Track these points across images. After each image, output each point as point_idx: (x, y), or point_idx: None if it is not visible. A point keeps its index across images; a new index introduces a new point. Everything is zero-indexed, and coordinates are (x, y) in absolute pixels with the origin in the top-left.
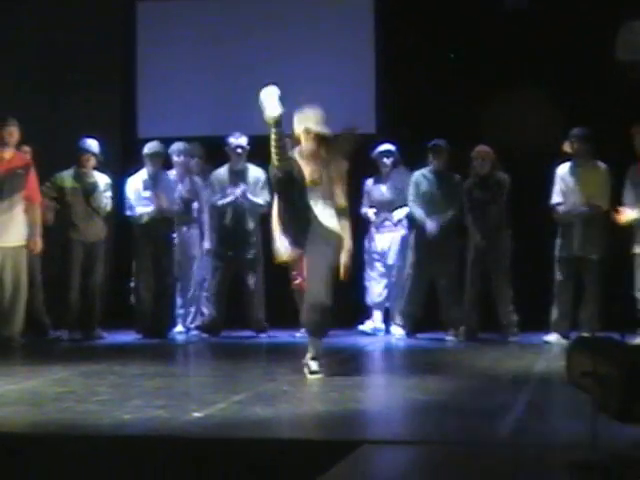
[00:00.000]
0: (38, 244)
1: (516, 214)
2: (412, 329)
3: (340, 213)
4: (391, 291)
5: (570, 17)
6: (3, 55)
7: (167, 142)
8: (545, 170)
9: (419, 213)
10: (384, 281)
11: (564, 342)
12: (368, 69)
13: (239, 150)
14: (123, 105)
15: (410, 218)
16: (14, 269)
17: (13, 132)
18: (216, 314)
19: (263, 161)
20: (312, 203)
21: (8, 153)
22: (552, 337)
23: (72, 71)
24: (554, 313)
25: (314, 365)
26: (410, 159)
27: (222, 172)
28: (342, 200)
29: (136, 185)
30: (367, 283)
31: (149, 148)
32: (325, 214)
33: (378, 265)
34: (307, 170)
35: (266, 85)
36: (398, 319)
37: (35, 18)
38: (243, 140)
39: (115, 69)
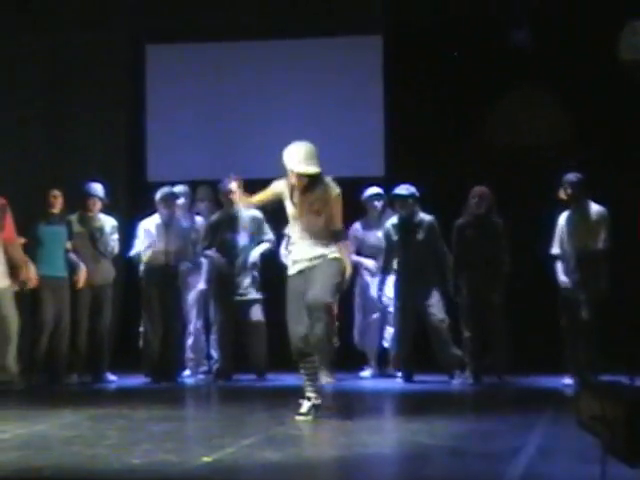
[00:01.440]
0: (31, 278)
1: (532, 254)
2: (408, 375)
3: (335, 237)
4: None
5: (574, 50)
6: (9, 96)
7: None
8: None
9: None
10: (377, 326)
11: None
12: (377, 114)
13: (231, 196)
14: (132, 148)
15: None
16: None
17: None
18: (223, 359)
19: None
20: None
21: None
22: (568, 380)
23: (80, 113)
24: (565, 355)
25: (303, 406)
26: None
27: (216, 218)
28: (338, 225)
29: (149, 229)
30: (358, 329)
31: (163, 191)
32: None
33: (371, 310)
34: (293, 204)
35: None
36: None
37: (43, 59)
38: (233, 185)
39: (124, 112)
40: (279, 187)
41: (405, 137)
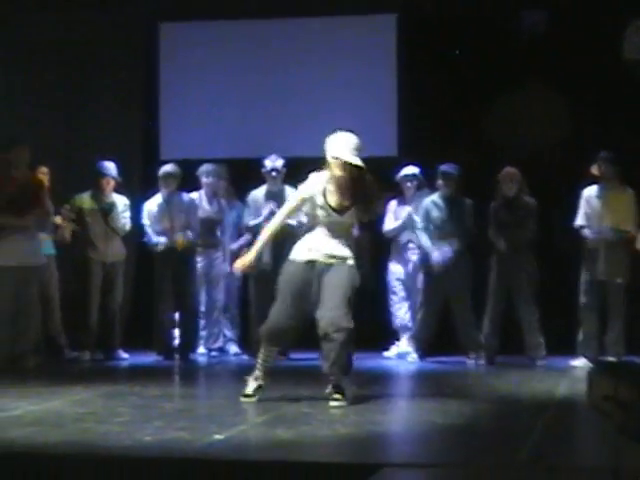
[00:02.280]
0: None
1: (543, 237)
2: (423, 354)
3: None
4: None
5: (588, 36)
6: (24, 75)
7: (190, 164)
8: (569, 192)
9: (425, 241)
10: (406, 304)
11: (590, 366)
12: (390, 93)
13: (274, 173)
14: (145, 126)
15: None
16: (24, 288)
17: (21, 152)
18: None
19: (298, 182)
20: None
21: (18, 173)
22: (579, 362)
23: (94, 92)
24: (580, 337)
25: (249, 386)
26: (434, 182)
27: (259, 194)
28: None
29: (151, 209)
30: (392, 307)
31: (162, 170)
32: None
33: (402, 288)
34: (334, 196)
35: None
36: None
37: (56, 38)
38: (279, 163)
39: (137, 90)
40: (307, 192)
41: (418, 117)
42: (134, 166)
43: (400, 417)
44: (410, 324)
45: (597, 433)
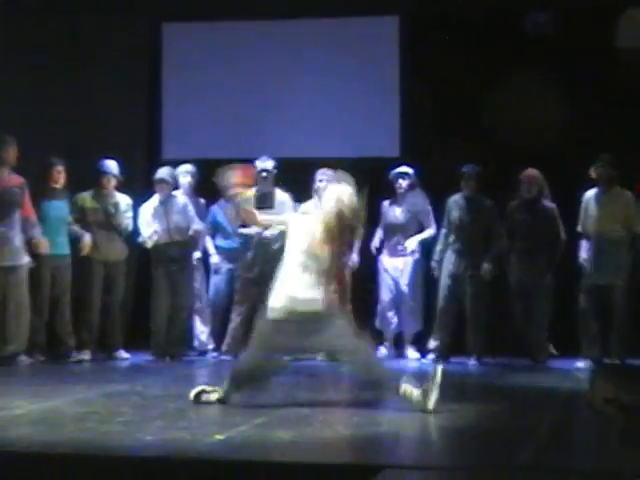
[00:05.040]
0: (42, 242)
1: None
2: (443, 354)
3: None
4: (404, 316)
5: (594, 39)
6: (27, 75)
7: (194, 164)
8: (575, 195)
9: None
10: (394, 307)
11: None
12: (392, 94)
13: (264, 174)
14: (148, 126)
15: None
16: (14, 288)
17: (10, 151)
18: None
19: (288, 185)
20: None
21: (4, 172)
22: (583, 363)
23: (96, 92)
24: (583, 340)
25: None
26: (436, 183)
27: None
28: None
29: (148, 211)
30: (379, 308)
31: (156, 176)
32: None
33: (390, 290)
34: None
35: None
36: (430, 343)
37: (59, 38)
38: (269, 164)
39: (140, 90)
40: (291, 219)
41: (421, 118)
42: (137, 166)
43: (401, 419)
44: (395, 326)
45: (599, 436)
